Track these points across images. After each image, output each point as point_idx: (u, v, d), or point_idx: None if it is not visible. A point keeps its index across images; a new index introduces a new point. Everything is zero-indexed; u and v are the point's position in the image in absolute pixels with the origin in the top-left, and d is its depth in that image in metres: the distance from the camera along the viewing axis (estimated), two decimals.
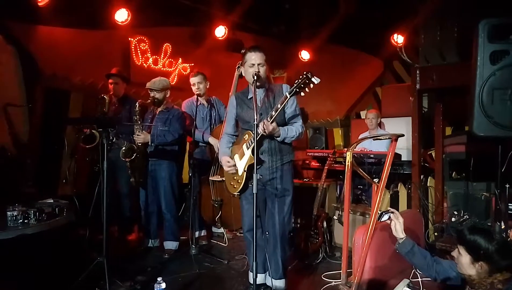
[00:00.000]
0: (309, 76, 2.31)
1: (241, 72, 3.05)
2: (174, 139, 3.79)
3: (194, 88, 4.09)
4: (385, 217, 2.37)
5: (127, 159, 3.65)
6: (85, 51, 4.71)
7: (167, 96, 3.89)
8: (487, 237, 1.80)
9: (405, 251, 2.26)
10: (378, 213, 2.49)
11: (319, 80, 2.32)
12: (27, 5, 4.00)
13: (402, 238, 2.28)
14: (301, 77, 2.34)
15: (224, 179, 3.09)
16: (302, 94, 2.38)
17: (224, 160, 2.85)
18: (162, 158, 3.84)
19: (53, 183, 4.60)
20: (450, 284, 2.11)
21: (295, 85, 2.39)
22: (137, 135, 3.72)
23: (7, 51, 4.20)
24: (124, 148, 3.65)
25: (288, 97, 2.44)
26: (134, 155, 3.66)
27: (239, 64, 3.94)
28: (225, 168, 2.85)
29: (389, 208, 2.47)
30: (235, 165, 2.79)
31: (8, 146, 4.07)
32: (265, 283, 2.92)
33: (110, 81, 4.21)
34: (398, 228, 2.29)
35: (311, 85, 2.34)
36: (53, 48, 4.51)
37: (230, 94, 4.05)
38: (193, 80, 4.09)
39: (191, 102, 4.25)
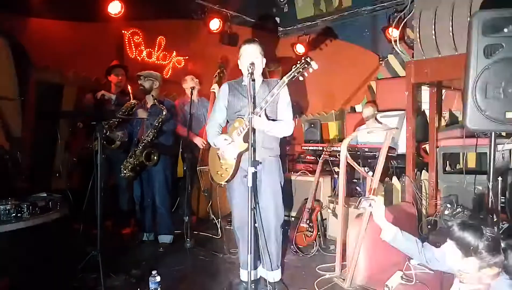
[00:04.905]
0: (308, 60, 2.32)
1: None
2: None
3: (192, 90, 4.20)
4: (364, 204, 2.23)
5: (149, 163, 3.70)
6: (78, 44, 4.66)
7: (155, 87, 3.84)
8: (477, 233, 1.79)
9: (388, 239, 2.21)
10: (358, 199, 2.32)
11: (317, 66, 2.32)
12: None
13: (384, 226, 2.21)
14: (299, 61, 2.34)
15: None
16: (301, 78, 2.39)
17: (221, 138, 2.69)
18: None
19: (47, 177, 4.57)
20: (446, 271, 2.11)
21: (293, 69, 2.38)
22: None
23: None
24: (142, 152, 3.66)
25: (286, 81, 2.43)
26: (156, 156, 3.71)
27: None
28: (224, 146, 2.69)
29: (369, 195, 2.42)
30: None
31: (0, 140, 4.03)
32: (259, 278, 2.92)
33: (116, 73, 4.25)
34: (377, 216, 2.21)
35: (310, 70, 2.34)
36: (46, 41, 4.46)
37: None
38: (192, 83, 4.27)
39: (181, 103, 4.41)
